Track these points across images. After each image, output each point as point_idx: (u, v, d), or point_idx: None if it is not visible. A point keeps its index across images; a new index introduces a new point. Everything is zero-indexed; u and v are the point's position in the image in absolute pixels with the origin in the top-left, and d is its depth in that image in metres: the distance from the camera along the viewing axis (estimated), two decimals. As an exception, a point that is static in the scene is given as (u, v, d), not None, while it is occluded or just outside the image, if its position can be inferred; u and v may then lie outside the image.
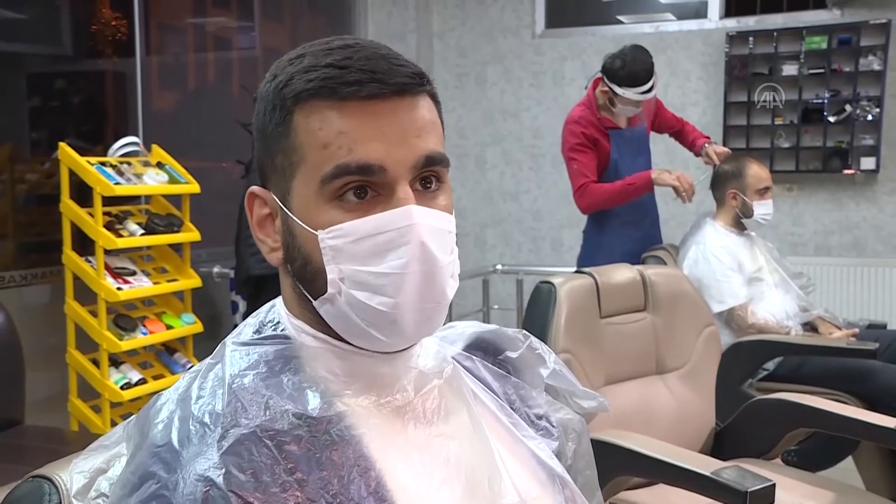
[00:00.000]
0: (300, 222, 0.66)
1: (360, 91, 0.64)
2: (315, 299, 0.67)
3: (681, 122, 3.10)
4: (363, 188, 0.65)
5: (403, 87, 0.66)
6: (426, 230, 0.64)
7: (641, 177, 2.71)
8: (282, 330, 0.71)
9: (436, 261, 0.65)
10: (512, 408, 0.79)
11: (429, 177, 0.68)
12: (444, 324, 0.82)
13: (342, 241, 0.65)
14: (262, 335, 0.70)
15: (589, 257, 2.88)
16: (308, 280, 0.68)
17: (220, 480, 0.59)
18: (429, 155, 0.66)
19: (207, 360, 0.70)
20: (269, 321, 0.72)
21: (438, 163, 0.67)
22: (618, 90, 2.70)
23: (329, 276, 0.65)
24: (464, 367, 0.78)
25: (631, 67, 2.67)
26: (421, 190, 0.67)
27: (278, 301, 0.74)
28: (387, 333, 0.66)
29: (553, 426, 0.80)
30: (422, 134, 0.66)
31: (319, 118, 0.65)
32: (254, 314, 0.74)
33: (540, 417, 0.80)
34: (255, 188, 0.71)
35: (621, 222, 2.85)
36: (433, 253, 0.65)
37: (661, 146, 3.56)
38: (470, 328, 0.83)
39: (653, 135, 3.08)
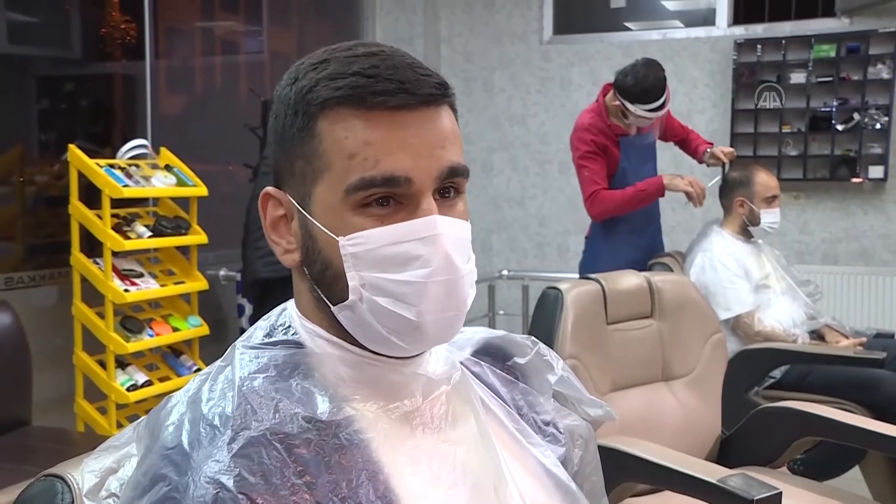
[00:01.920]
0: (322, 227, 0.67)
1: (389, 101, 0.65)
2: (334, 304, 0.68)
3: (686, 131, 3.09)
4: (387, 198, 0.65)
5: (430, 97, 0.66)
6: (449, 240, 0.65)
7: (654, 183, 2.70)
8: (293, 334, 0.71)
9: (458, 270, 0.66)
10: (520, 414, 0.79)
11: (449, 187, 0.68)
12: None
13: (363, 249, 0.65)
14: (273, 339, 0.71)
15: (591, 264, 2.84)
16: (327, 284, 0.68)
17: (230, 483, 0.59)
18: (452, 167, 0.67)
19: (217, 363, 0.70)
20: (281, 325, 0.72)
21: (461, 174, 0.68)
22: (630, 107, 2.67)
23: (350, 284, 0.66)
24: (472, 372, 0.79)
25: (643, 85, 2.63)
26: (440, 199, 0.67)
27: (290, 304, 0.74)
28: (408, 340, 0.67)
29: (560, 432, 0.80)
30: (446, 145, 0.67)
31: (345, 126, 0.65)
32: (265, 317, 0.74)
33: (547, 423, 0.80)
34: (270, 189, 0.71)
35: (628, 229, 2.84)
36: (456, 263, 0.65)
37: (669, 153, 3.55)
38: (479, 334, 0.83)
39: (659, 142, 3.08)
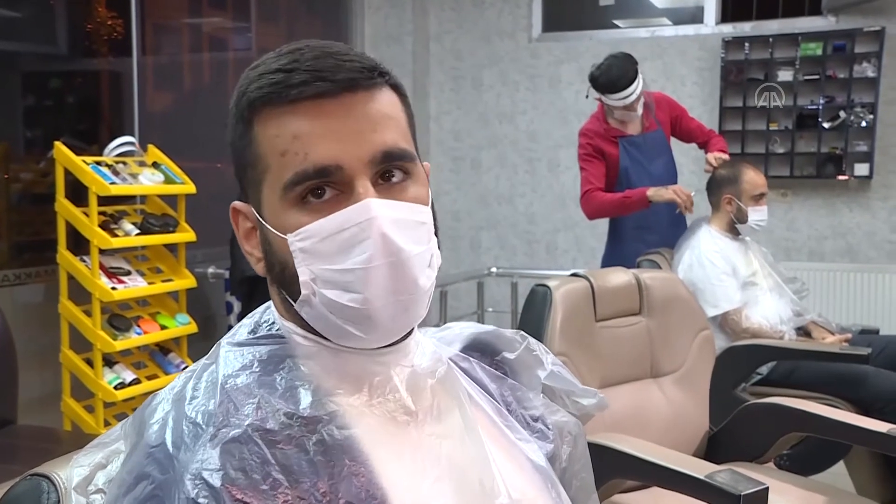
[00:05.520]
0: (272, 229, 0.67)
1: (306, 91, 0.65)
2: (295, 302, 0.68)
3: (707, 135, 3.08)
4: (321, 188, 0.65)
5: (352, 82, 0.66)
6: (387, 222, 0.64)
7: (638, 192, 2.77)
8: (277, 330, 0.71)
9: (401, 251, 0.64)
10: (508, 409, 0.79)
11: (391, 170, 0.67)
12: (441, 325, 0.82)
13: (310, 243, 0.65)
14: (257, 335, 0.71)
15: (609, 262, 2.97)
16: (287, 284, 0.68)
17: (211, 479, 0.59)
18: (386, 151, 0.66)
19: (203, 361, 0.70)
20: (265, 321, 0.73)
21: (399, 158, 0.67)
22: (603, 98, 2.81)
23: (301, 278, 0.66)
24: (461, 368, 0.78)
25: (607, 75, 2.76)
26: (384, 183, 0.67)
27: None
28: (364, 329, 0.66)
29: (549, 428, 0.80)
30: (377, 128, 0.66)
31: (275, 124, 0.66)
32: (249, 315, 0.75)
33: (536, 419, 0.80)
34: (236, 203, 0.73)
35: (635, 226, 2.93)
36: (396, 244, 0.64)
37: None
38: (468, 329, 0.83)
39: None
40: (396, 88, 0.70)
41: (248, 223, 0.72)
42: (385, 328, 0.67)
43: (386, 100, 0.68)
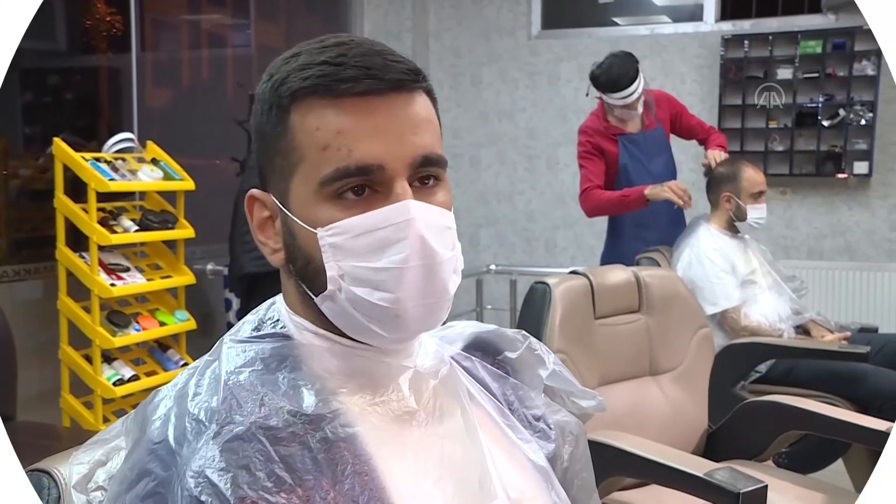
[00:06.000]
0: (300, 222, 0.67)
1: (356, 87, 0.64)
2: (316, 296, 0.68)
3: (707, 131, 3.06)
4: (362, 187, 0.65)
5: (399, 83, 0.66)
6: (424, 225, 0.65)
7: (636, 191, 2.75)
8: (281, 327, 0.71)
9: (435, 255, 0.65)
10: (510, 409, 0.79)
11: (427, 174, 0.68)
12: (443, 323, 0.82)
13: (341, 238, 0.65)
14: (261, 332, 0.71)
15: (605, 257, 2.99)
16: (310, 279, 0.68)
17: (214, 477, 0.59)
18: (426, 155, 0.67)
19: (206, 357, 0.70)
20: (269, 318, 0.72)
21: (435, 164, 0.68)
22: (604, 97, 2.81)
23: (329, 274, 0.66)
24: (462, 367, 0.78)
25: (608, 74, 2.75)
26: (419, 186, 0.67)
27: (278, 298, 0.74)
28: (388, 329, 0.66)
29: (550, 428, 0.80)
30: (418, 131, 0.67)
31: (316, 116, 0.65)
32: (253, 311, 0.74)
33: (538, 419, 0.80)
34: (254, 191, 0.71)
35: (633, 224, 2.92)
36: (433, 247, 0.65)
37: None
38: (469, 328, 0.83)
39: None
40: (430, 94, 0.71)
41: (266, 212, 0.71)
42: (409, 329, 0.67)
43: (424, 103, 0.69)
